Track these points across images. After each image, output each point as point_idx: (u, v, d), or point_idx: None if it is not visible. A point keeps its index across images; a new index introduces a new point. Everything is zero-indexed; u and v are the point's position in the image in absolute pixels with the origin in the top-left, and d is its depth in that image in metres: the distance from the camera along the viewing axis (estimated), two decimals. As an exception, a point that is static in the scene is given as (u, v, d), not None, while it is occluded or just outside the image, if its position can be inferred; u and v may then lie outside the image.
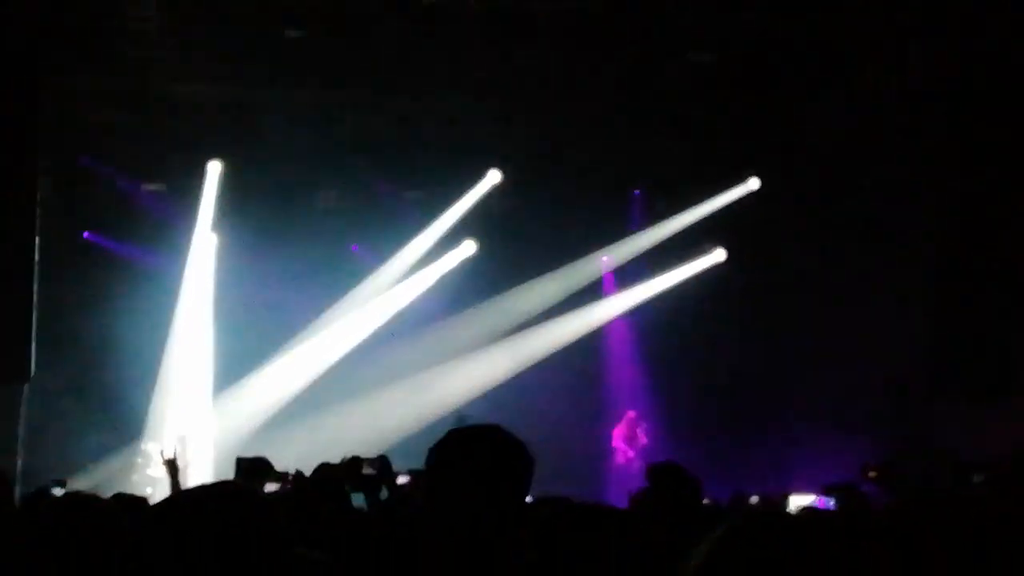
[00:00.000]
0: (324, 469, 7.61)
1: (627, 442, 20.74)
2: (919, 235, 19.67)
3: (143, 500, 6.68)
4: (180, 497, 3.01)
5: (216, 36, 17.70)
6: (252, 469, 6.87)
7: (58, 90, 18.38)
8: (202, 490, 3.01)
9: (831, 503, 8.87)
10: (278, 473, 7.02)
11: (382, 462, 7.61)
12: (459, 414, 19.81)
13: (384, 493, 7.43)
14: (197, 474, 18.92)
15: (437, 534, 3.59)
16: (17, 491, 16.23)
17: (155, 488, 17.76)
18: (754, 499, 10.92)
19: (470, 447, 3.67)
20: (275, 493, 6.24)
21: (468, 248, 21.21)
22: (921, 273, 19.60)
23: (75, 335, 19.46)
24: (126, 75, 18.40)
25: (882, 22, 17.79)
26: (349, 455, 7.42)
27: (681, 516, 6.63)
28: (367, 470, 7.39)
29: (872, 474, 9.37)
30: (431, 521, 3.62)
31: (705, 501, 7.94)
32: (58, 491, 10.77)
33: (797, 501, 12.51)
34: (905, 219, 19.70)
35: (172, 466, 8.90)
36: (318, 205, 20.66)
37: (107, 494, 11.62)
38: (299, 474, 7.36)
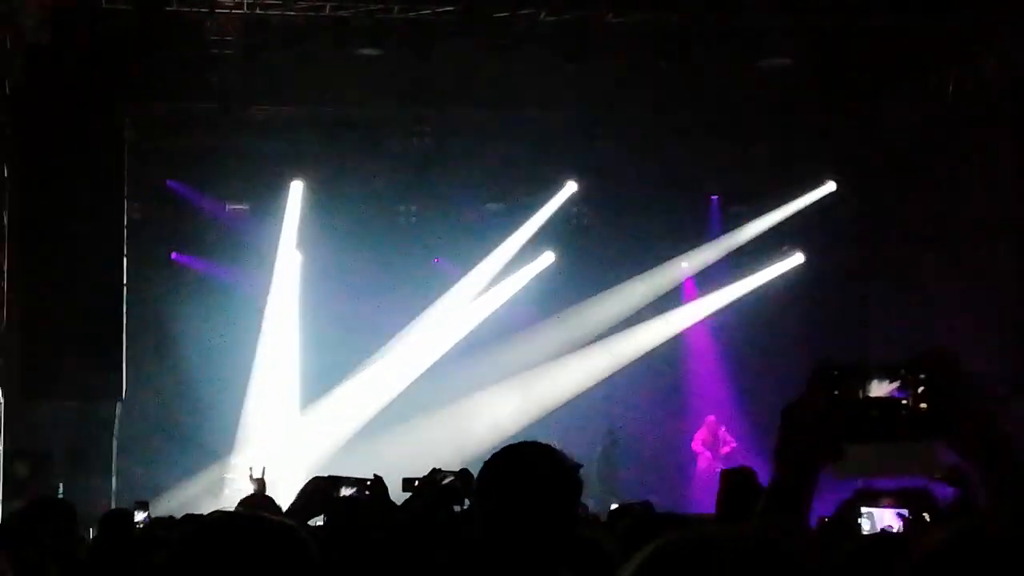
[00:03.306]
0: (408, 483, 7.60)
1: (708, 447, 20.66)
2: (998, 233, 19.51)
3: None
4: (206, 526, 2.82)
5: (294, 57, 18.02)
6: (316, 489, 6.92)
7: (143, 116, 18.86)
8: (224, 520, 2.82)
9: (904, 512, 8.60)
10: (355, 479, 7.07)
11: (464, 475, 7.61)
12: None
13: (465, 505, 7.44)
14: (287, 488, 19.22)
15: (486, 551, 3.71)
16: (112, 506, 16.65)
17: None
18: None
19: (518, 468, 3.73)
20: (352, 497, 6.28)
21: (547, 259, 21.38)
22: (1000, 270, 19.45)
23: (164, 353, 19.88)
24: (208, 99, 18.80)
25: (954, 21, 17.71)
26: (430, 468, 7.45)
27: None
28: (448, 482, 7.38)
29: (938, 476, 9.14)
30: (481, 537, 3.74)
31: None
32: (140, 515, 10.98)
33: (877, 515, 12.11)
34: (982, 217, 19.56)
35: (260, 484, 9.02)
36: (400, 220, 20.93)
37: (197, 510, 11.90)
38: (378, 479, 7.39)
